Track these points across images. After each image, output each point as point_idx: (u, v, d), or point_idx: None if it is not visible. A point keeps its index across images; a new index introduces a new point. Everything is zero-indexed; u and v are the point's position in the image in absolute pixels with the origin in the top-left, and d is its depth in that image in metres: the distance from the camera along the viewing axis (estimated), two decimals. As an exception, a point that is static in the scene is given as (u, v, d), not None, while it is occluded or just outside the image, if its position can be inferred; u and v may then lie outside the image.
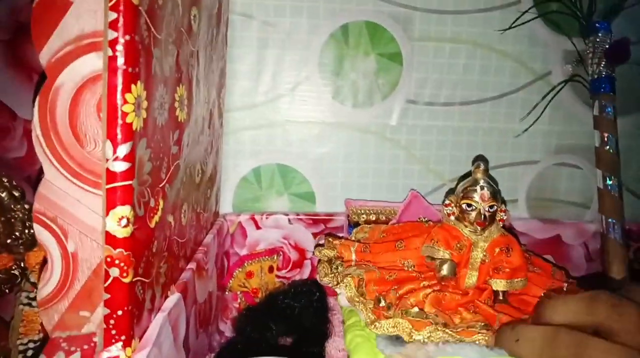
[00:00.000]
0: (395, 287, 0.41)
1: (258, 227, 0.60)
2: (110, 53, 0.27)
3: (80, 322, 0.30)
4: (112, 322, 0.30)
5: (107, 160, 0.28)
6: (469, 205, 0.42)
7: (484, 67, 0.60)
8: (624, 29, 0.60)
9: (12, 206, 0.57)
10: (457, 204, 0.43)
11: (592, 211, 0.64)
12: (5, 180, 0.57)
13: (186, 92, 0.39)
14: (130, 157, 0.28)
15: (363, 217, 0.57)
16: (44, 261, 0.30)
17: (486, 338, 0.36)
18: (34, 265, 0.51)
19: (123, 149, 0.28)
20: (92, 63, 0.28)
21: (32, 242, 0.56)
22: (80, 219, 0.29)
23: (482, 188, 0.42)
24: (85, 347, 0.30)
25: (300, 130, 0.60)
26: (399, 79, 0.60)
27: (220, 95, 0.55)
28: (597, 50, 0.55)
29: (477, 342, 0.36)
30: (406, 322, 0.37)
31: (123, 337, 0.30)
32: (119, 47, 0.27)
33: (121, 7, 0.27)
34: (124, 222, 0.29)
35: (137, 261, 0.30)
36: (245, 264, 0.59)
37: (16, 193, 0.57)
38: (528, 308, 0.42)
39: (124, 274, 0.29)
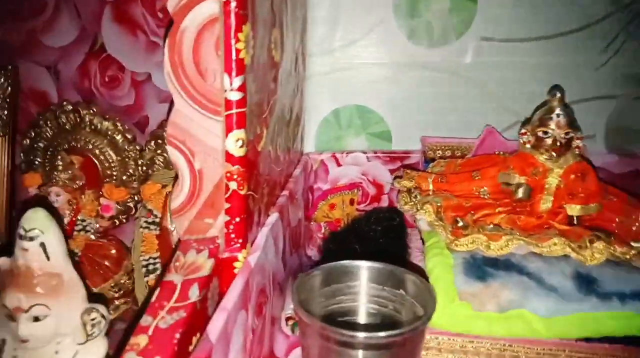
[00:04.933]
0: (472, 212, 0.45)
1: (339, 164, 0.65)
2: (225, -2, 0.32)
3: (205, 227, 0.37)
4: (231, 227, 0.36)
5: (225, 90, 0.33)
6: (545, 132, 0.44)
7: (563, -1, 0.59)
8: None
9: (126, 147, 0.66)
10: (533, 132, 0.45)
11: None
12: (118, 125, 0.65)
13: (279, 34, 0.44)
14: (243, 88, 0.33)
15: (439, 153, 0.60)
16: (176, 180, 0.37)
17: (566, 242, 0.39)
18: (149, 195, 0.59)
19: (237, 81, 0.33)
20: (209, 8, 0.33)
21: (144, 177, 0.64)
22: (203, 141, 0.35)
23: (557, 116, 0.44)
24: (211, 246, 0.36)
25: (376, 72, 0.63)
26: (473, 17, 0.61)
27: (302, 40, 0.59)
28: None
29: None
30: (483, 236, 0.41)
31: (240, 240, 0.37)
32: (232, -8, 0.31)
33: (232, -42, 0.31)
34: (240, 143, 0.34)
35: (250, 177, 0.36)
36: (329, 197, 0.64)
37: (129, 136, 0.66)
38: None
39: (241, 187, 0.35)
